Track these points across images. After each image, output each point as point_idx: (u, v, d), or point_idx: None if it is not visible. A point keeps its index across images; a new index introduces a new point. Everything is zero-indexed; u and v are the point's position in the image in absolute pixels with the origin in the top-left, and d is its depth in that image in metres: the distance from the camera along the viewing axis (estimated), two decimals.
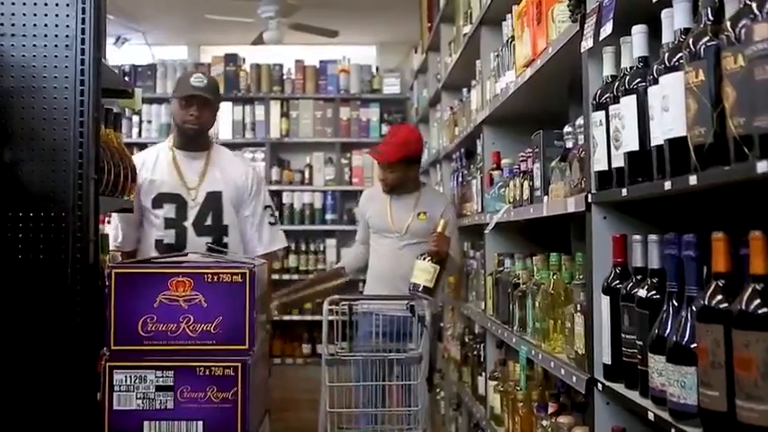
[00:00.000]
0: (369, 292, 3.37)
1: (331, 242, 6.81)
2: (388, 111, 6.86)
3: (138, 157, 2.75)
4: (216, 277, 1.93)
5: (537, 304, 2.12)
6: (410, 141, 3.42)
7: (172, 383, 1.89)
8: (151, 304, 1.90)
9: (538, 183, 2.16)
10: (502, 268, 2.79)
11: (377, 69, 6.98)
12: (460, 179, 3.71)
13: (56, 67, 1.87)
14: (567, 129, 2.03)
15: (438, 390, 4.47)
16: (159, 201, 2.75)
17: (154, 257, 2.23)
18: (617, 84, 1.53)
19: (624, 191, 1.46)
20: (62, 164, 1.85)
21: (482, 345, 3.20)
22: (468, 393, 3.43)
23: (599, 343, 1.64)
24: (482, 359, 3.20)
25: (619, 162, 1.51)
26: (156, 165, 2.81)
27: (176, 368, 1.89)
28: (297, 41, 6.91)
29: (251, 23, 6.20)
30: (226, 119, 6.83)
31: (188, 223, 2.76)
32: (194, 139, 2.83)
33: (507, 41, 2.55)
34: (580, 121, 1.91)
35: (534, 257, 2.30)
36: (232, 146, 6.88)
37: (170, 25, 6.87)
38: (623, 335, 1.51)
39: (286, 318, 6.65)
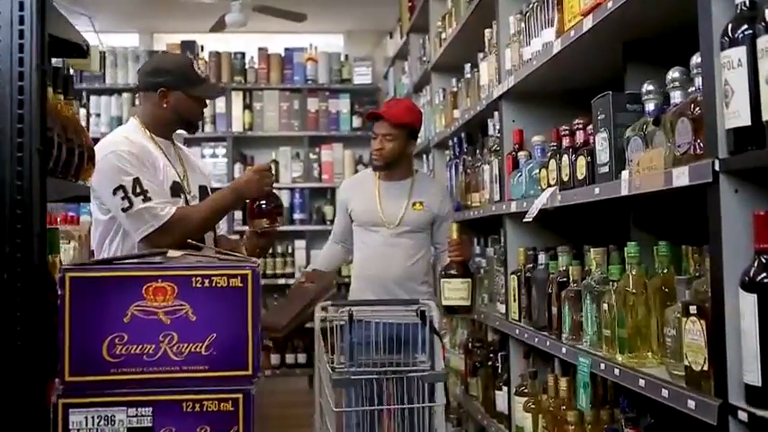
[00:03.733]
0: (355, 297, 2.91)
1: (300, 243, 6.31)
2: (359, 101, 6.40)
3: (120, 135, 2.28)
4: (207, 281, 1.45)
5: (607, 306, 1.71)
6: (415, 110, 3.00)
7: (150, 424, 1.41)
8: (120, 319, 1.42)
9: (604, 156, 1.75)
10: (533, 265, 2.38)
11: (346, 58, 6.52)
12: (461, 167, 3.30)
13: None
14: (647, 87, 1.63)
15: None
16: (176, 189, 2.25)
17: (122, 256, 1.73)
18: None
19: None
20: None
21: (500, 354, 2.78)
22: (480, 409, 3.00)
23: (736, 357, 1.24)
24: (500, 371, 2.78)
25: None
26: (150, 148, 2.27)
27: (156, 404, 1.42)
28: (259, 29, 6.40)
29: (209, 8, 5.68)
30: None
31: None
32: (177, 128, 2.40)
33: None
34: (674, 74, 1.51)
35: (592, 250, 1.89)
36: (190, 141, 6.33)
37: (120, 9, 6.27)
38: None
39: None
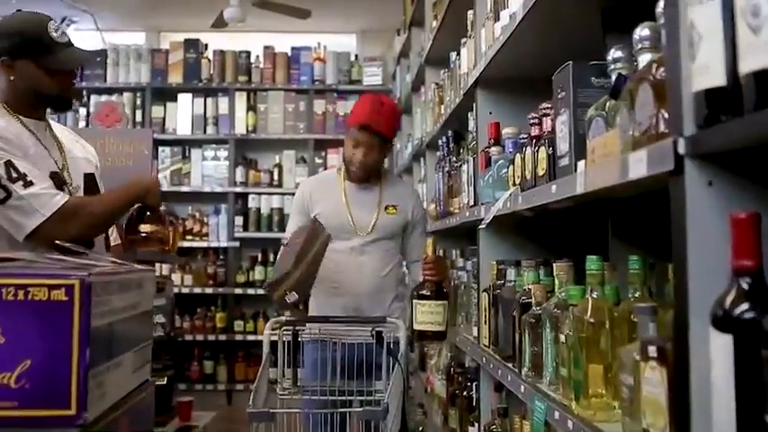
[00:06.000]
0: (321, 313, 2.56)
1: None
2: None
3: None
4: (21, 292, 1.12)
5: (563, 338, 1.33)
6: (398, 114, 2.68)
7: None
8: None
9: (564, 146, 1.38)
10: (502, 281, 2.00)
11: (356, 57, 6.21)
12: (447, 168, 2.93)
13: None
14: (614, 53, 1.25)
15: (421, 430, 3.65)
16: (56, 181, 1.85)
17: None
18: None
19: None
20: None
21: (474, 384, 2.40)
22: None
23: (704, 421, 0.85)
24: (474, 402, 2.40)
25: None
26: (13, 131, 1.83)
27: None
28: (266, 27, 6.15)
29: (215, 5, 5.43)
30: (185, 112, 6.03)
31: None
32: (46, 106, 1.97)
33: None
34: (643, 31, 1.13)
35: (555, 264, 1.51)
36: (191, 142, 6.11)
37: (123, 6, 6.08)
38: None
39: (250, 338, 5.83)
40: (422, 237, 2.66)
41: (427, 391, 3.52)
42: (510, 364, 1.81)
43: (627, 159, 1.01)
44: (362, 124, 2.51)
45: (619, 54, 1.24)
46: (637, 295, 1.24)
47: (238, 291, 5.89)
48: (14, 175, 1.70)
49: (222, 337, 5.84)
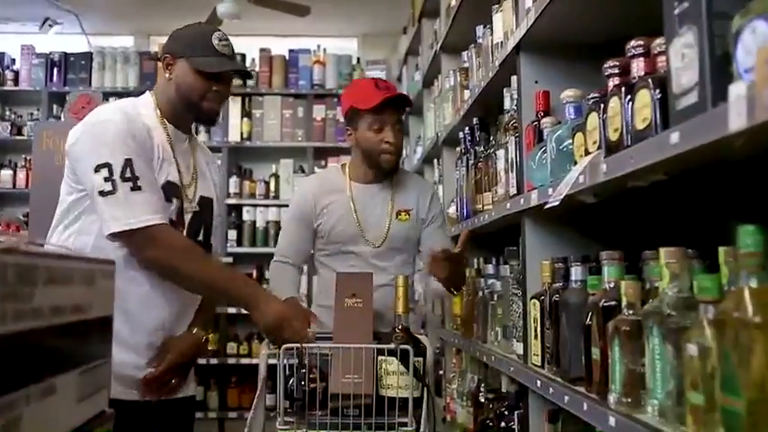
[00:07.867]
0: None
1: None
2: None
3: (121, 108, 1.76)
4: None
5: (694, 349, 0.92)
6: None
7: None
8: None
9: (689, 77, 0.97)
10: (563, 284, 1.59)
11: (357, 60, 5.85)
12: (472, 161, 2.53)
13: None
14: None
15: None
16: (168, 191, 1.78)
17: None
18: None
19: None
20: None
21: (517, 413, 1.98)
22: None
23: None
24: None
25: None
26: (154, 136, 1.77)
27: None
28: (262, 30, 5.81)
29: (205, 4, 5.08)
30: None
31: (183, 232, 1.81)
32: (192, 117, 1.89)
33: None
34: None
35: (663, 251, 1.10)
36: None
37: (110, 7, 5.72)
38: None
39: (244, 361, 5.38)
40: (441, 231, 2.27)
41: (446, 420, 3.09)
42: (582, 389, 1.40)
43: None
44: (385, 98, 2.10)
45: None
46: None
47: (231, 310, 5.44)
48: (128, 174, 1.65)
49: (213, 361, 5.40)
